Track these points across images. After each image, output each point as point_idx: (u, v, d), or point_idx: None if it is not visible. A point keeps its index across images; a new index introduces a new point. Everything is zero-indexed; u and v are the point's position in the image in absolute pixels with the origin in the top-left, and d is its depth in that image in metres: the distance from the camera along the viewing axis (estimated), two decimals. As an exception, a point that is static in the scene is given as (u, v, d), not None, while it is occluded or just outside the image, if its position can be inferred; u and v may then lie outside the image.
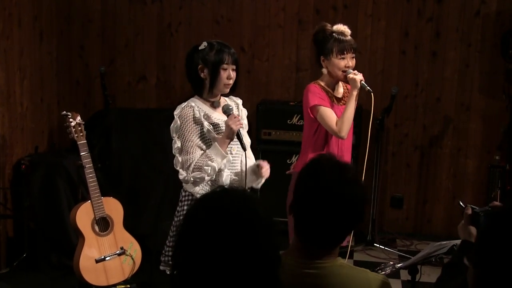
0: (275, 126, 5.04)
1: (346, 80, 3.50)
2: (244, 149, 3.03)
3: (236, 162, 3.11)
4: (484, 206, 2.04)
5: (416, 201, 5.38)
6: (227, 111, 3.04)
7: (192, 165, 2.94)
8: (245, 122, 3.17)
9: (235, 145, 3.07)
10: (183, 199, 3.12)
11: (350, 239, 3.60)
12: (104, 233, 3.89)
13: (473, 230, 1.98)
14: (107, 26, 5.47)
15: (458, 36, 5.12)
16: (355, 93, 3.43)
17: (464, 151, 5.25)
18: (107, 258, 3.87)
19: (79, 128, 3.82)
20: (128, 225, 4.03)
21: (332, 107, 3.47)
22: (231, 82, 3.06)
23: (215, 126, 3.04)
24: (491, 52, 5.06)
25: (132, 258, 3.96)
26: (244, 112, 3.22)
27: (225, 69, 3.03)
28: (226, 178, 3.04)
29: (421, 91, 5.24)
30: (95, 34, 5.47)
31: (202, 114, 3.02)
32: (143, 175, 4.86)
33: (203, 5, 5.37)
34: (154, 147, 4.90)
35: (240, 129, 3.00)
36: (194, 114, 3.00)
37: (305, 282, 1.83)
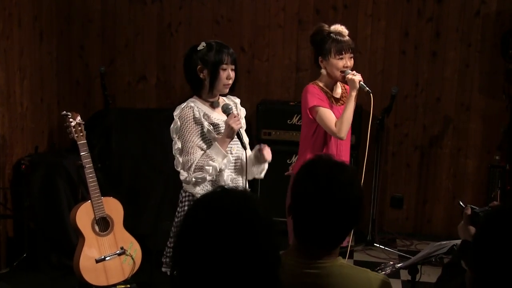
0: (275, 126, 5.03)
1: (344, 81, 3.50)
2: (245, 148, 3.04)
3: (236, 162, 3.11)
4: (484, 206, 2.04)
5: (416, 201, 5.39)
6: (226, 110, 3.04)
7: (193, 166, 2.94)
8: (243, 121, 3.17)
9: (234, 144, 3.08)
10: (183, 199, 3.11)
11: (350, 239, 3.60)
12: (104, 233, 3.89)
13: (473, 230, 1.98)
14: (107, 26, 5.47)
15: (458, 36, 5.12)
16: (354, 93, 3.43)
17: (464, 151, 5.25)
18: (107, 258, 3.87)
19: (79, 128, 3.81)
20: (128, 225, 4.03)
21: (330, 107, 3.47)
22: (231, 82, 3.06)
23: (215, 126, 3.04)
24: (491, 52, 5.06)
25: (132, 258, 3.96)
26: (242, 111, 3.22)
27: (225, 69, 3.03)
28: (227, 178, 3.04)
29: (421, 91, 5.24)
30: (95, 34, 5.47)
31: (201, 114, 3.02)
32: (143, 175, 4.86)
33: (203, 5, 5.37)
34: (154, 147, 4.90)
35: (240, 128, 3.01)
36: (194, 115, 3.00)
37: (305, 282, 1.83)
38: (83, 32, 5.46)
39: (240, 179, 3.15)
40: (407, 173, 5.36)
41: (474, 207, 2.01)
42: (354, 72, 3.46)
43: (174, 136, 3.03)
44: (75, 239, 4.02)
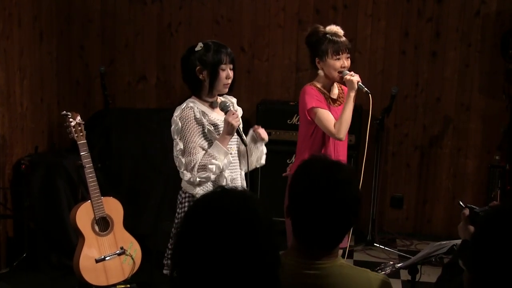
0: (275, 126, 5.03)
1: (342, 81, 3.50)
2: (245, 144, 3.04)
3: (235, 162, 3.12)
4: (484, 206, 2.04)
5: (416, 201, 5.38)
6: (224, 108, 3.04)
7: (196, 166, 2.94)
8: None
9: (234, 144, 3.08)
10: (183, 200, 3.11)
11: (349, 239, 3.60)
12: (104, 233, 3.89)
13: (472, 230, 1.97)
14: (107, 26, 5.47)
15: (458, 36, 5.12)
16: (352, 94, 3.42)
17: (464, 151, 5.25)
18: (107, 258, 3.87)
19: (79, 128, 3.82)
20: (128, 225, 4.03)
21: (328, 108, 3.47)
22: (230, 81, 3.06)
23: (215, 126, 3.04)
24: (491, 52, 5.06)
25: (132, 258, 3.96)
26: (239, 111, 3.22)
27: (224, 69, 3.03)
28: (227, 178, 3.05)
29: (421, 91, 5.24)
30: (95, 34, 5.47)
31: (202, 114, 3.02)
32: (143, 175, 4.86)
33: (203, 5, 5.37)
34: (154, 147, 4.90)
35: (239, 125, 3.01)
36: (194, 115, 3.00)
37: (305, 282, 1.83)
38: (83, 32, 5.46)
39: (239, 178, 3.15)
40: (407, 173, 5.36)
41: (474, 207, 2.01)
42: (352, 72, 3.46)
43: (176, 137, 3.01)
44: (75, 239, 4.02)
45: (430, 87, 5.22)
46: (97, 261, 3.83)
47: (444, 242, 2.70)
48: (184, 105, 3.04)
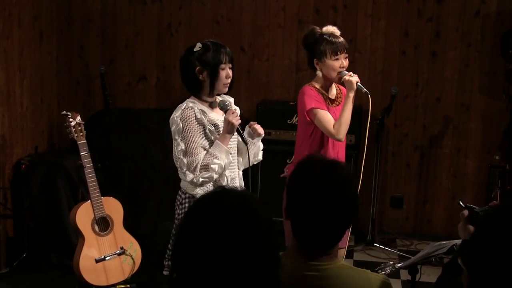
0: (275, 126, 5.03)
1: (340, 82, 3.49)
2: (246, 143, 3.04)
3: (234, 163, 3.12)
4: (484, 206, 2.04)
5: (416, 201, 5.38)
6: (224, 107, 3.04)
7: (199, 166, 2.93)
8: None
9: (233, 143, 3.08)
10: (183, 201, 3.09)
11: (348, 240, 3.60)
12: (104, 233, 3.89)
13: (472, 229, 1.97)
14: (107, 26, 5.47)
15: (458, 36, 5.12)
16: (351, 95, 3.42)
17: (464, 151, 5.25)
18: (107, 258, 3.87)
19: (79, 128, 3.82)
20: (128, 225, 4.03)
21: (327, 109, 3.47)
22: (229, 81, 3.06)
23: (215, 126, 3.04)
24: (491, 52, 5.06)
25: (132, 258, 3.96)
26: (237, 111, 3.22)
27: (223, 69, 3.02)
28: (227, 178, 3.04)
29: (421, 91, 5.24)
30: (95, 34, 5.47)
31: (202, 114, 3.01)
32: (143, 175, 4.86)
33: (203, 5, 5.37)
34: (154, 147, 4.90)
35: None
36: (195, 115, 2.99)
37: (306, 284, 1.83)
38: (83, 32, 5.46)
39: (237, 177, 3.15)
40: (407, 173, 5.36)
41: (474, 206, 2.01)
42: (351, 73, 3.46)
43: (177, 137, 2.99)
44: (75, 239, 4.02)
45: (430, 87, 5.22)
46: (97, 261, 3.83)
47: (444, 242, 2.70)
48: (184, 105, 3.03)
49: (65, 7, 5.35)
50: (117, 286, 3.95)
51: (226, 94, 3.17)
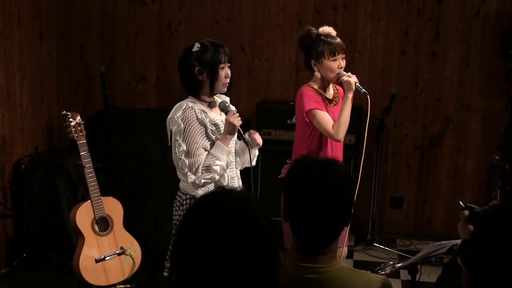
0: (275, 126, 5.04)
1: (338, 82, 3.50)
2: (247, 143, 3.04)
3: (232, 162, 3.12)
4: (484, 206, 2.04)
5: (416, 201, 5.38)
6: (224, 108, 3.04)
7: (200, 167, 2.93)
8: None
9: (233, 144, 3.08)
10: (184, 202, 3.08)
11: (347, 238, 3.59)
12: (104, 233, 3.89)
13: (472, 229, 1.97)
14: (107, 26, 5.47)
15: (458, 36, 5.12)
16: (350, 95, 3.41)
17: (464, 151, 5.25)
18: (107, 258, 3.87)
19: (79, 128, 3.82)
20: (128, 225, 4.03)
21: (326, 109, 3.47)
22: (228, 80, 3.06)
23: (216, 126, 3.04)
24: (491, 52, 5.06)
25: (132, 258, 3.96)
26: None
27: (222, 69, 3.02)
28: (228, 177, 3.04)
29: (421, 91, 5.24)
30: (95, 34, 5.47)
31: (203, 115, 3.01)
32: (143, 175, 4.86)
33: (203, 5, 5.37)
34: (154, 147, 4.90)
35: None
36: (196, 116, 2.98)
37: (306, 287, 1.83)
38: (83, 32, 5.46)
39: (236, 177, 3.15)
40: (407, 173, 5.36)
41: (474, 206, 2.01)
42: (349, 73, 3.46)
43: (178, 138, 2.98)
44: (75, 239, 4.02)
45: (430, 87, 5.22)
46: (97, 261, 3.83)
47: (444, 242, 2.70)
48: (184, 105, 3.01)
49: (65, 7, 5.35)
50: (117, 286, 3.95)
51: (224, 94, 3.17)
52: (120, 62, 5.49)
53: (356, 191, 3.31)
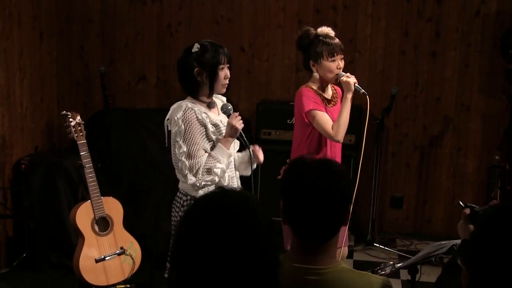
0: (275, 126, 5.04)
1: (337, 83, 3.50)
2: (248, 146, 3.04)
3: (231, 162, 3.11)
4: (484, 206, 2.04)
5: (416, 201, 5.38)
6: (226, 111, 3.03)
7: (201, 169, 2.92)
8: None
9: (231, 147, 3.08)
10: (184, 203, 3.06)
11: (346, 238, 3.59)
12: (104, 233, 3.89)
13: (472, 229, 1.97)
14: (107, 26, 5.47)
15: (458, 36, 5.12)
16: (349, 96, 3.41)
17: (464, 151, 5.25)
18: (107, 258, 3.87)
19: (79, 128, 3.82)
20: (128, 225, 4.03)
21: (325, 109, 3.47)
22: (228, 81, 3.05)
23: (216, 126, 3.03)
24: (491, 52, 5.06)
25: (132, 258, 3.96)
26: None
27: (222, 69, 3.02)
28: (228, 178, 3.04)
29: (421, 91, 5.24)
30: (95, 34, 5.47)
31: (204, 115, 3.00)
32: (143, 175, 4.86)
33: (203, 5, 5.37)
34: (154, 147, 4.90)
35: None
36: (196, 116, 2.98)
37: None
38: (83, 32, 5.46)
39: (235, 177, 3.15)
40: (407, 173, 5.36)
41: (474, 206, 2.01)
42: (348, 74, 3.45)
43: (178, 139, 2.97)
44: (75, 239, 4.02)
45: (430, 87, 5.22)
46: (97, 261, 3.83)
47: (444, 242, 2.70)
48: (184, 106, 3.00)
49: (65, 7, 5.35)
50: (117, 286, 3.95)
51: (223, 94, 3.17)
52: (120, 62, 5.49)
53: (355, 191, 3.32)
